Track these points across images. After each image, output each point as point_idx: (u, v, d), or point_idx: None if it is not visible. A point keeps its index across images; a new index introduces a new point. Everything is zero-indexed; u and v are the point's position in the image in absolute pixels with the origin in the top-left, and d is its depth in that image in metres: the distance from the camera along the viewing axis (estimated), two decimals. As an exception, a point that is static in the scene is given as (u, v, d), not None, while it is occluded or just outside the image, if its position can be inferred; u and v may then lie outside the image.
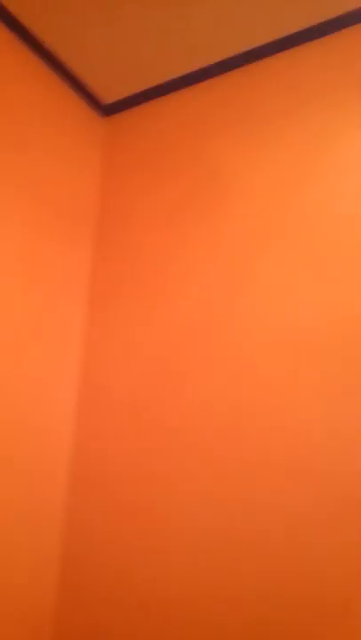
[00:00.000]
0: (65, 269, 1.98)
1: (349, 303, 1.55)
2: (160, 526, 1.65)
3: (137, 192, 2.08)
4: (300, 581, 1.41)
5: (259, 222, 1.77)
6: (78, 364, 1.98)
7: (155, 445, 1.73)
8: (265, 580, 1.46)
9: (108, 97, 2.20)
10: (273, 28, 1.85)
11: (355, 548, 1.36)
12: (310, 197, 1.71)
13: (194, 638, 1.51)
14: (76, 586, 1.75)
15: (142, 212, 2.03)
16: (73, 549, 1.79)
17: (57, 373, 1.89)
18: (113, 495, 1.76)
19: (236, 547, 1.52)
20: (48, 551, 1.77)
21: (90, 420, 1.89)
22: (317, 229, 1.66)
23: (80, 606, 1.72)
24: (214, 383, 1.68)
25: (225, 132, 1.94)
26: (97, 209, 2.16)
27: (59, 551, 1.81)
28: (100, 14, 1.84)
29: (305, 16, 1.80)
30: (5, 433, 1.67)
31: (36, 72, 1.98)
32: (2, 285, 1.73)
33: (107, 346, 1.95)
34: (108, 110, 2.25)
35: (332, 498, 1.42)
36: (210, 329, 1.75)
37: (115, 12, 1.82)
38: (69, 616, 1.74)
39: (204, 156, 1.96)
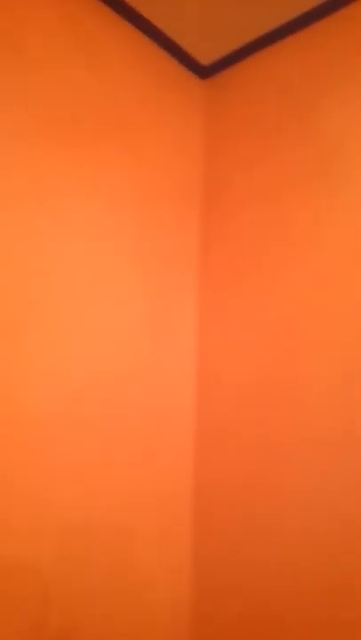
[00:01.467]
0: (174, 253, 1.89)
1: None
2: (284, 517, 1.58)
3: (242, 162, 1.93)
4: None
5: None
6: (194, 351, 1.90)
7: (275, 435, 1.65)
8: None
9: (206, 57, 2.06)
10: None
11: None
12: None
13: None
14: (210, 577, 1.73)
15: (248, 185, 1.89)
16: (203, 537, 1.77)
17: (174, 362, 1.83)
18: (236, 486, 1.71)
19: None
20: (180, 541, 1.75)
21: (209, 408, 1.83)
22: None
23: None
24: (334, 375, 1.56)
25: (337, 88, 1.73)
26: (201, 183, 2.05)
27: (190, 540, 1.78)
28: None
29: None
30: (130, 424, 1.65)
31: (129, 38, 1.87)
32: (115, 275, 1.68)
33: (220, 331, 1.86)
34: (207, 72, 2.11)
35: None
36: (325, 315, 1.61)
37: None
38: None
39: (313, 120, 1.77)
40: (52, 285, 1.51)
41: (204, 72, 2.11)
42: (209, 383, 1.85)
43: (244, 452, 1.71)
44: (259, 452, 1.67)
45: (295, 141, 1.79)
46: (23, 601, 1.31)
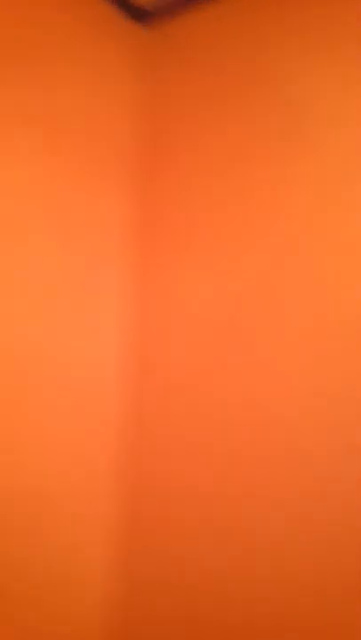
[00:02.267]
0: (103, 221, 1.71)
1: None
2: (227, 514, 1.49)
3: (194, 124, 1.75)
4: None
5: (345, 158, 1.47)
6: (128, 333, 1.75)
7: (219, 425, 1.55)
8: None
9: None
10: None
11: None
12: None
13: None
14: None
15: (201, 149, 1.72)
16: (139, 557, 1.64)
17: (102, 343, 1.66)
18: (172, 475, 1.59)
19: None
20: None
21: (146, 396, 1.69)
22: None
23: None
24: (293, 354, 1.46)
25: (309, 52, 1.57)
26: (138, 145, 1.84)
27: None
28: None
29: None
30: (49, 419, 1.51)
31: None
32: (30, 247, 1.49)
33: (160, 310, 1.71)
34: (148, 17, 1.89)
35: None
36: (281, 289, 1.51)
37: None
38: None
39: (273, 75, 1.62)
40: None
41: (144, 17, 1.89)
42: (144, 363, 1.70)
43: (181, 438, 1.60)
44: (198, 441, 1.57)
45: (257, 106, 1.64)
46: None
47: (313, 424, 1.41)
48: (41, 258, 1.53)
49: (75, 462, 1.56)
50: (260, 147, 1.61)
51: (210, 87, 1.74)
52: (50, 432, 1.51)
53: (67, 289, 1.58)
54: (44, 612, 1.45)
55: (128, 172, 1.80)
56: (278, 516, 1.42)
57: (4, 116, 1.47)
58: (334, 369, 1.40)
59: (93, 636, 1.56)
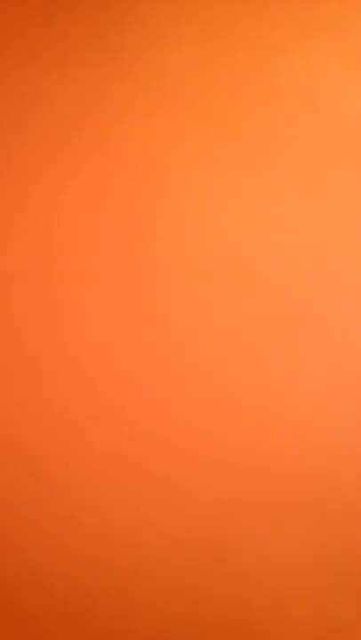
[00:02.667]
0: None
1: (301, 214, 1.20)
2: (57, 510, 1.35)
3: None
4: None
5: (183, 79, 1.12)
6: None
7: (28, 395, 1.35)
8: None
9: None
10: None
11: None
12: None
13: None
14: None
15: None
16: None
17: None
18: None
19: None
20: None
21: None
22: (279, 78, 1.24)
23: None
24: (106, 310, 1.22)
25: None
26: None
27: None
28: None
29: None
30: None
31: None
32: None
33: None
34: None
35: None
36: (105, 236, 1.23)
37: None
38: None
39: None
40: None
41: None
42: None
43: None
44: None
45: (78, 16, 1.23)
46: None
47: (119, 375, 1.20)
48: None
49: None
50: (73, 59, 1.24)
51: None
52: None
53: None
54: None
55: None
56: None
57: None
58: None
59: None
